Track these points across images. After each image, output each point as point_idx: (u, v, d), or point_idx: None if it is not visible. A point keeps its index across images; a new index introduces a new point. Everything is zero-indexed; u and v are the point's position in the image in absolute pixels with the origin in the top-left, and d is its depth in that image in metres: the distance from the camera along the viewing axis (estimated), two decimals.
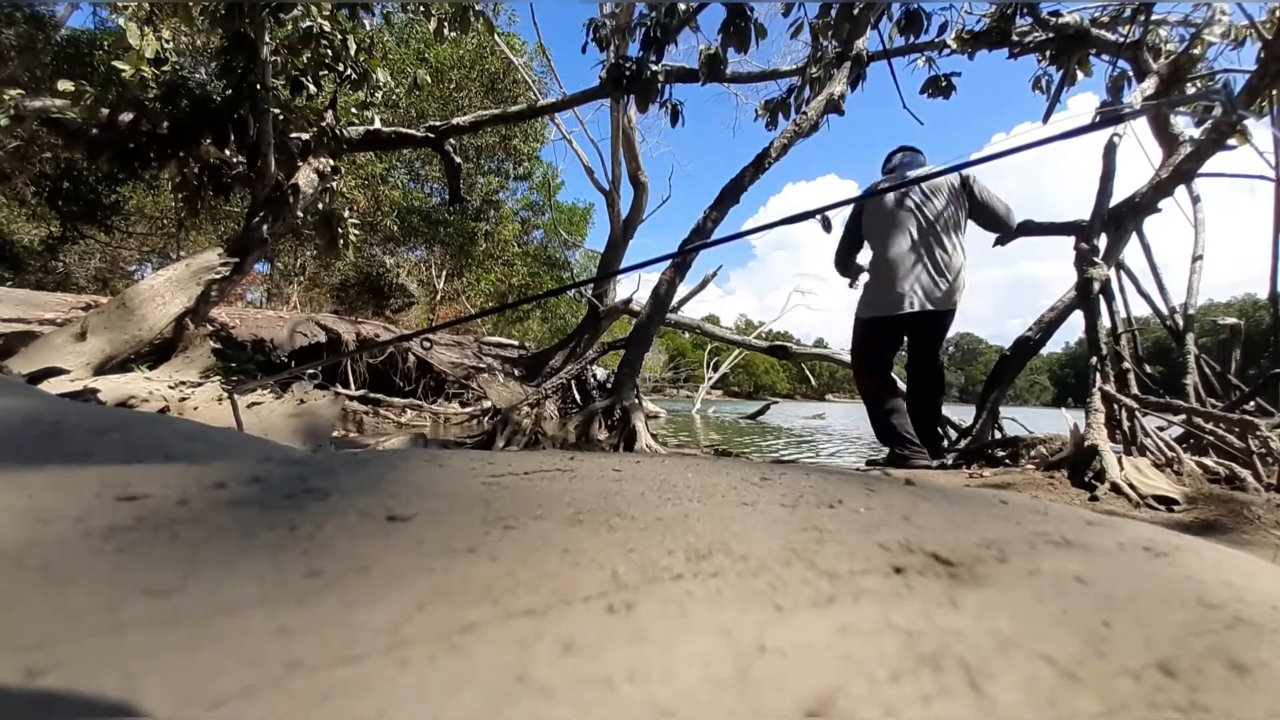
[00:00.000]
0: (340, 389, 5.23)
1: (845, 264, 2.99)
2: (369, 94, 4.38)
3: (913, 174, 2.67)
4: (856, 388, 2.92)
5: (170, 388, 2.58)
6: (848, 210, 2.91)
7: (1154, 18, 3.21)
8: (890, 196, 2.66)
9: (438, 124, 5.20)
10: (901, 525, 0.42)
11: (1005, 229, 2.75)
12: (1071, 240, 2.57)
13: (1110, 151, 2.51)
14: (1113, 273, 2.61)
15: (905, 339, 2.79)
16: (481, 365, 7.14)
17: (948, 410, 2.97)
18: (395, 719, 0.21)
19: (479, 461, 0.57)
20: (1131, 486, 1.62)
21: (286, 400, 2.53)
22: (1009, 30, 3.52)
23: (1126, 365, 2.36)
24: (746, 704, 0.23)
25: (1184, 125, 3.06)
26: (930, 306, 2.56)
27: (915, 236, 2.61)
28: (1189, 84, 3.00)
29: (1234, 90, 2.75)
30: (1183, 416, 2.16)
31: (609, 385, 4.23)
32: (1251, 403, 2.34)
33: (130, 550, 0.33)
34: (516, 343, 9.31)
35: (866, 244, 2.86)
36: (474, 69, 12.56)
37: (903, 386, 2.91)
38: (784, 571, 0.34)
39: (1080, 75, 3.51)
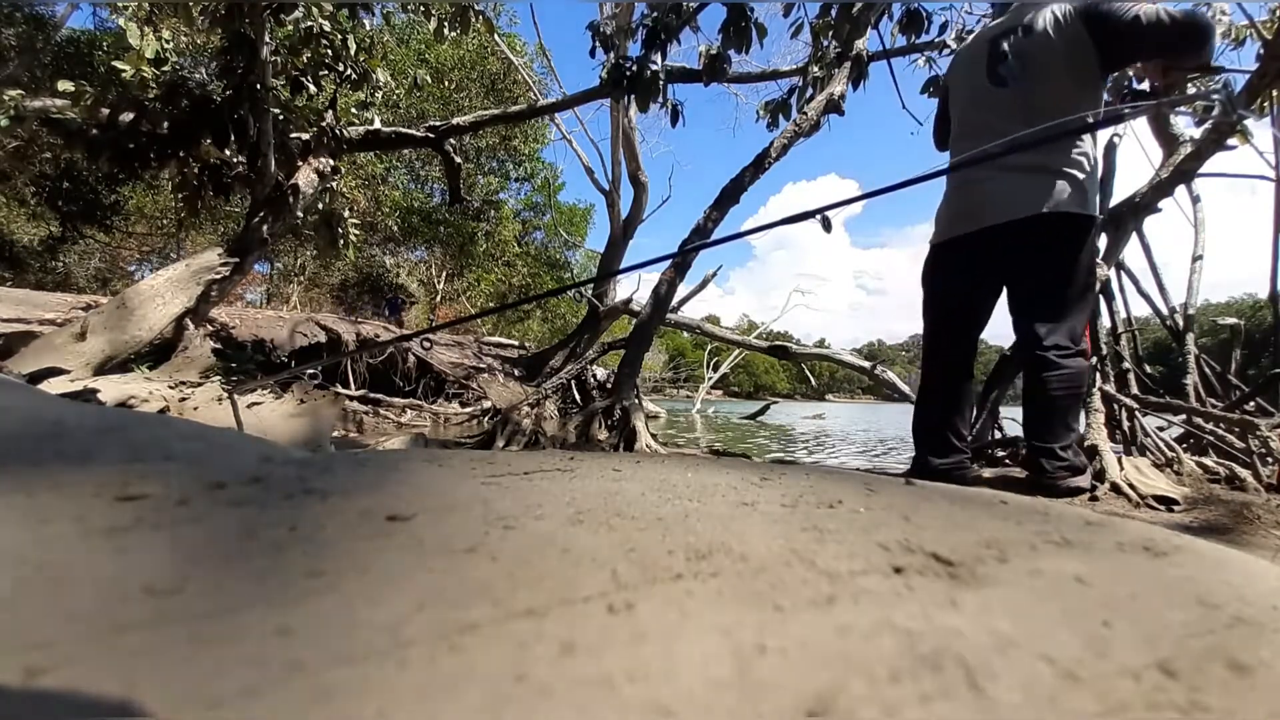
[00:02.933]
0: (340, 389, 5.23)
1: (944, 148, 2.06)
2: (369, 94, 4.39)
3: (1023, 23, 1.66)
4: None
5: (170, 388, 2.58)
6: (847, 210, 2.71)
7: None
8: (976, 54, 1.77)
9: (438, 124, 5.21)
10: (901, 525, 0.42)
11: (1183, 45, 1.54)
12: None
13: (1110, 151, 2.51)
14: (1113, 273, 2.61)
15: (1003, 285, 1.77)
16: (481, 365, 7.14)
17: None
18: (395, 719, 0.21)
19: (479, 461, 0.57)
20: (1131, 486, 1.62)
21: (286, 400, 2.53)
22: None
23: (1126, 365, 2.36)
24: (747, 704, 0.23)
25: (1184, 125, 3.07)
26: (1015, 215, 1.60)
27: (1005, 112, 1.66)
28: (1189, 84, 3.00)
29: (1234, 90, 2.75)
30: (1183, 416, 2.17)
31: (609, 385, 4.24)
32: (1251, 403, 2.35)
33: (130, 550, 0.33)
34: (516, 343, 9.32)
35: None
36: (474, 69, 12.59)
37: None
38: (784, 571, 0.34)
39: None
